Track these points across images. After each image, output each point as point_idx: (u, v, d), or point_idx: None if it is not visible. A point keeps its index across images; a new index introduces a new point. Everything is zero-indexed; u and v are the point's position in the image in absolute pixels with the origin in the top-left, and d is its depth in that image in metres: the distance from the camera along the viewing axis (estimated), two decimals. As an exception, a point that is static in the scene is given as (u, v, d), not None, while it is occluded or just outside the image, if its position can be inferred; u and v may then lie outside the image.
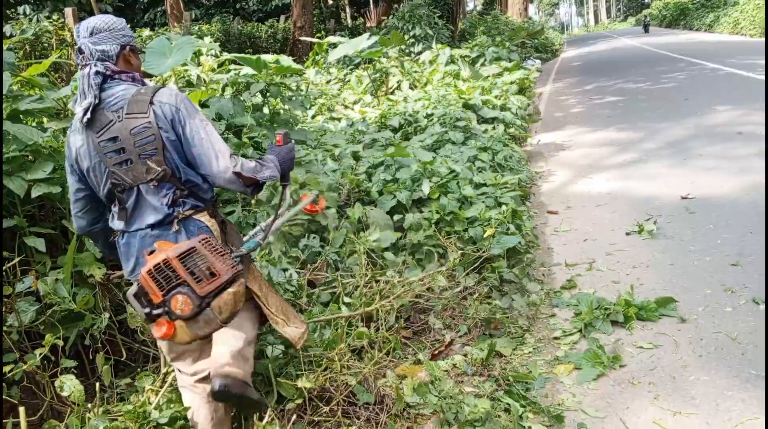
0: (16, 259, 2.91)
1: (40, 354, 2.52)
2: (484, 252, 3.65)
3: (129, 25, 2.16)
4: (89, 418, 2.52)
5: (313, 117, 7.62)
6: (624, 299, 3.33)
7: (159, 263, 1.74)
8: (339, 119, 7.74)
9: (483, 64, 9.85)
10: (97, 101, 1.95)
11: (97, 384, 2.81)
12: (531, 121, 7.70)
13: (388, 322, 3.16)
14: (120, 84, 2.01)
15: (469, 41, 14.49)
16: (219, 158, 1.99)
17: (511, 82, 8.16)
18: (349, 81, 10.69)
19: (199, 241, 1.83)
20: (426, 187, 3.98)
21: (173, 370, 2.51)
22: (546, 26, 38.82)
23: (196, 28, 14.80)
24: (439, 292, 3.39)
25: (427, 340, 3.17)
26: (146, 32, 10.49)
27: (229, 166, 1.98)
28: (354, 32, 17.30)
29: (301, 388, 2.53)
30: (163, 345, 2.29)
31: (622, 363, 2.89)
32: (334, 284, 3.50)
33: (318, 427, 2.50)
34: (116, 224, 2.05)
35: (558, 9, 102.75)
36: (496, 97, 7.19)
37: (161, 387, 2.69)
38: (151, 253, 1.80)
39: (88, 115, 1.94)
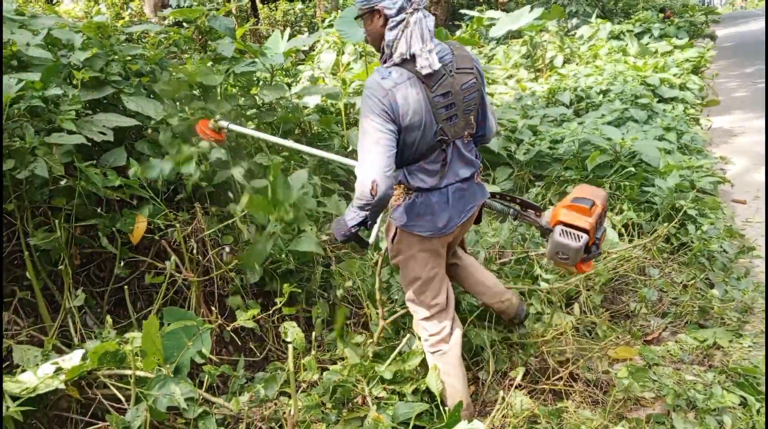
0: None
1: (280, 302, 2.71)
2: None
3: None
4: (304, 366, 2.67)
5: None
6: None
7: (600, 213, 2.09)
8: (491, 95, 7.62)
9: (648, 41, 9.24)
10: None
11: (313, 334, 2.98)
12: (708, 104, 7.12)
13: (592, 302, 3.09)
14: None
15: (621, 18, 13.66)
16: (494, 118, 2.20)
17: (686, 60, 7.59)
18: (494, 56, 10.46)
19: None
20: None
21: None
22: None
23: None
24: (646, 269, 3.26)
25: (631, 325, 3.06)
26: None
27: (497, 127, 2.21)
28: (497, 6, 16.77)
29: (519, 360, 2.56)
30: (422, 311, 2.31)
31: None
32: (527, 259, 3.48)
33: (535, 399, 2.50)
34: (424, 182, 2.04)
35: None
36: (675, 75, 6.72)
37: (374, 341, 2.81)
38: (578, 201, 2.11)
39: (437, 65, 1.87)
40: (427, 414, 2.25)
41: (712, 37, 13.07)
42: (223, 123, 2.87)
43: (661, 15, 12.93)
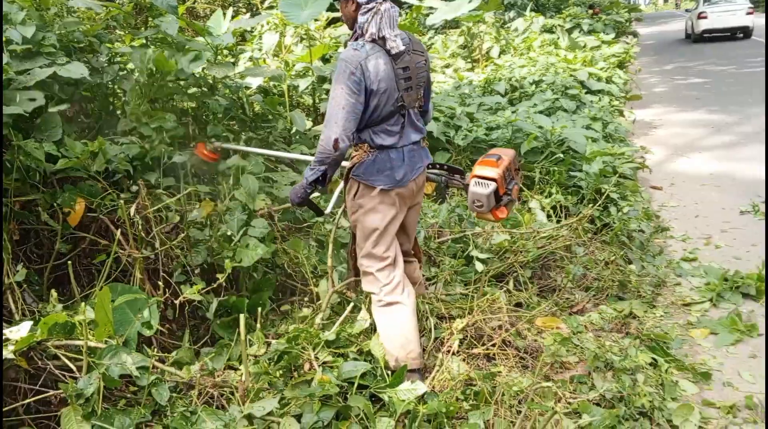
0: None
1: (221, 277, 2.76)
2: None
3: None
4: (251, 340, 2.74)
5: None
6: (756, 274, 3.37)
7: (507, 166, 2.39)
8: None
9: (578, 36, 9.69)
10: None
11: (259, 309, 3.04)
12: (631, 98, 7.58)
13: (523, 277, 3.31)
14: None
15: (553, 12, 14.19)
16: (432, 105, 2.64)
17: (612, 55, 8.03)
18: (433, 45, 10.67)
19: None
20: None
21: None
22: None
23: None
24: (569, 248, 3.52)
25: (558, 297, 3.30)
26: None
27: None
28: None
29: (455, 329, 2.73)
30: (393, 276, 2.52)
31: (760, 332, 2.96)
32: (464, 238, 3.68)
33: (471, 364, 2.68)
34: (385, 141, 2.39)
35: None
36: (602, 69, 7.12)
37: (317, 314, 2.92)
38: (487, 157, 2.44)
39: (402, 47, 2.29)
40: (372, 375, 2.39)
41: (635, 35, 13.77)
42: (217, 144, 3.48)
43: (590, 11, 13.55)
